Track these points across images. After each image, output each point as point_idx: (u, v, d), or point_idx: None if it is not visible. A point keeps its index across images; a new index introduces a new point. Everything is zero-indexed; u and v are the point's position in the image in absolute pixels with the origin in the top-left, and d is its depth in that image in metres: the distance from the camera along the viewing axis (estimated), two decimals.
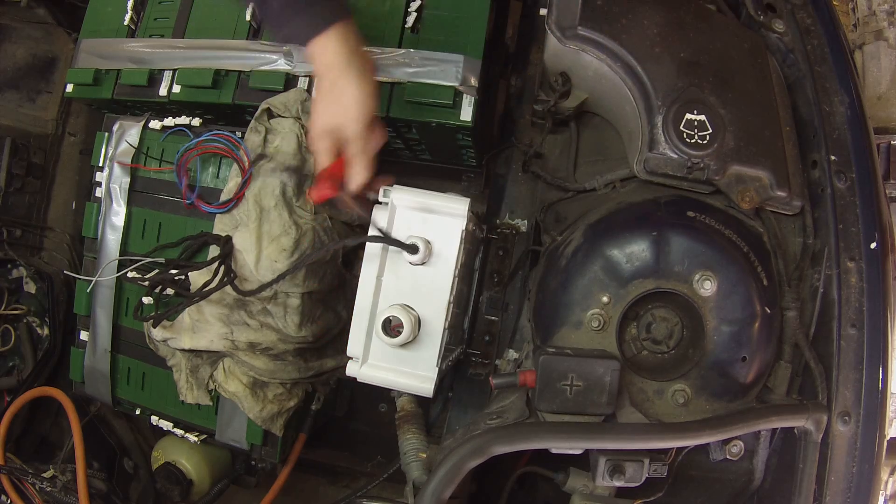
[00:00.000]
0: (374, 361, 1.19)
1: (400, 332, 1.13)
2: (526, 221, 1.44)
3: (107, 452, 1.85)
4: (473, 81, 1.36)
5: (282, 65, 1.44)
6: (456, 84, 1.35)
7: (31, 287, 1.80)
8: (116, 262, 1.54)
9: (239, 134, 1.42)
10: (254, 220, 1.35)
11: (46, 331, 1.79)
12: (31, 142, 1.87)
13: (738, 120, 1.21)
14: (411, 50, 1.39)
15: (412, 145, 1.60)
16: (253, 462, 1.71)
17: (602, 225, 1.26)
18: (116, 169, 1.56)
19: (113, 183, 1.56)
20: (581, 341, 1.19)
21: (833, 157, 1.27)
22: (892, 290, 1.24)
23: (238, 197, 1.38)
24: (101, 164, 1.58)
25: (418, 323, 1.16)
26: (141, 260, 1.49)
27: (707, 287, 1.16)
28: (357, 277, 1.19)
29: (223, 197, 1.40)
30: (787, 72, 1.35)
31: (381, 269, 1.18)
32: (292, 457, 1.62)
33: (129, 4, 1.58)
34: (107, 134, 1.58)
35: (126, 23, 1.59)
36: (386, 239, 1.13)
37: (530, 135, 1.56)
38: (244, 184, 1.37)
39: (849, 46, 1.36)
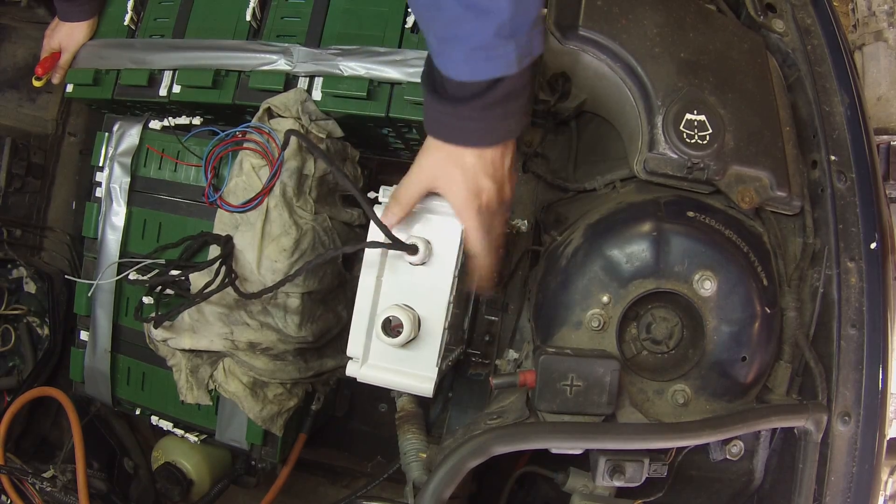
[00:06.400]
0: (373, 361, 1.19)
1: (400, 333, 1.13)
2: (526, 221, 1.44)
3: (107, 452, 1.85)
4: None
5: (282, 65, 1.44)
6: None
7: (31, 287, 1.80)
8: (116, 264, 1.54)
9: (269, 126, 1.39)
10: (260, 220, 1.35)
11: (46, 331, 1.79)
12: (31, 142, 1.87)
13: (738, 120, 1.21)
14: (411, 50, 1.39)
15: (412, 145, 1.60)
16: (253, 462, 1.71)
17: (602, 225, 1.26)
18: (116, 169, 1.56)
19: (113, 183, 1.56)
20: (581, 341, 1.19)
21: (833, 157, 1.27)
22: (892, 290, 1.24)
23: (265, 192, 1.36)
24: (101, 164, 1.58)
25: (418, 323, 1.16)
26: (141, 261, 1.49)
27: (707, 287, 1.16)
28: (357, 278, 1.19)
29: (231, 199, 1.39)
30: (787, 72, 1.35)
31: (381, 269, 1.18)
32: (292, 457, 1.62)
33: (129, 4, 1.58)
34: (107, 134, 1.58)
35: (126, 23, 1.59)
36: (384, 243, 1.13)
37: (530, 135, 1.56)
38: (272, 178, 1.35)
39: (849, 46, 1.36)
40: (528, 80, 0.99)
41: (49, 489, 1.46)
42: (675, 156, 1.19)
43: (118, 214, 1.55)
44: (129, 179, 1.55)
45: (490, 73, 0.93)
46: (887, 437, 1.21)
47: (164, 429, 1.60)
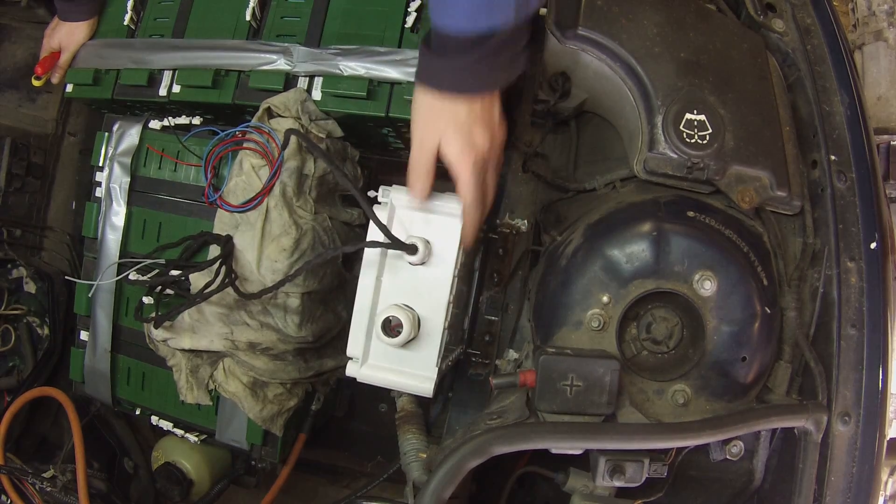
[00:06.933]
0: (373, 362, 1.19)
1: (399, 333, 1.12)
2: (526, 221, 1.44)
3: (107, 452, 1.85)
4: None
5: (282, 65, 1.44)
6: None
7: (31, 287, 1.80)
8: (116, 264, 1.54)
9: (269, 126, 1.40)
10: (260, 220, 1.35)
11: (46, 331, 1.79)
12: (31, 142, 1.87)
13: (738, 120, 1.21)
14: (411, 50, 1.39)
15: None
16: (253, 462, 1.71)
17: (602, 225, 1.25)
18: (116, 169, 1.56)
19: (113, 183, 1.56)
20: (581, 341, 1.19)
21: (833, 157, 1.27)
22: (892, 290, 1.23)
23: (265, 192, 1.36)
24: (101, 164, 1.58)
25: (418, 323, 1.16)
26: (141, 261, 1.49)
27: (707, 287, 1.16)
28: (357, 277, 1.19)
29: (231, 199, 1.39)
30: (787, 72, 1.35)
31: (381, 269, 1.18)
32: (292, 457, 1.62)
33: (129, 4, 1.58)
34: (107, 134, 1.59)
35: (126, 23, 1.59)
36: (384, 243, 1.13)
37: (530, 135, 1.55)
38: (271, 178, 1.35)
39: (849, 46, 1.36)
40: (521, 34, 1.03)
41: (49, 489, 1.46)
42: (675, 155, 1.19)
43: (118, 214, 1.55)
44: (128, 179, 1.55)
45: (488, 24, 0.96)
46: (887, 437, 1.21)
47: (164, 429, 1.60)
